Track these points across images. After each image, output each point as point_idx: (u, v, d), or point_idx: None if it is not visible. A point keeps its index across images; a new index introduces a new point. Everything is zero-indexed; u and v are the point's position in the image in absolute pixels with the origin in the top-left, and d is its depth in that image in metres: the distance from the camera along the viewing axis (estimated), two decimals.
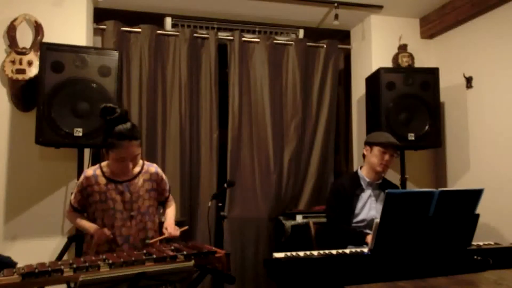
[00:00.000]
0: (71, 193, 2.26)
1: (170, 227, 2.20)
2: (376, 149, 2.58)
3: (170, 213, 2.36)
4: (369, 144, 2.65)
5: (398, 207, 1.83)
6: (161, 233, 2.22)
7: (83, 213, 2.23)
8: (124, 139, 2.02)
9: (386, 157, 2.57)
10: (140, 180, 2.19)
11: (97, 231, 2.08)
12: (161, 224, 2.30)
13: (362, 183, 2.63)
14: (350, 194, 2.59)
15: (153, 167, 2.27)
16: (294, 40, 3.78)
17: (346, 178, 2.74)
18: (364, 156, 2.69)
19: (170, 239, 2.22)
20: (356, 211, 2.58)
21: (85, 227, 2.15)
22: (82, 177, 2.17)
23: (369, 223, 2.54)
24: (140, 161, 2.24)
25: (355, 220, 2.57)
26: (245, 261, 3.53)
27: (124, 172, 2.12)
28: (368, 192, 2.62)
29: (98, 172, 2.16)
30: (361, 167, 2.71)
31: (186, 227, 2.30)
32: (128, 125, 2.06)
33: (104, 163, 2.20)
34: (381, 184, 2.66)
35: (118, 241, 2.12)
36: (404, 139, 3.25)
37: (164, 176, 2.31)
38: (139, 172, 2.21)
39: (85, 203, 2.18)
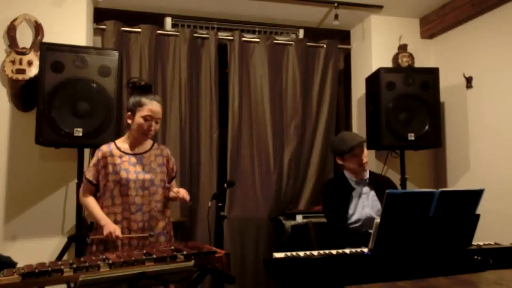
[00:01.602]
0: (84, 172, 2.34)
1: (182, 190, 2.29)
2: (347, 157, 2.56)
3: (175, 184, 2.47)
4: (338, 155, 2.61)
5: (398, 207, 1.83)
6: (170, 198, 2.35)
7: (96, 189, 2.28)
8: (151, 98, 2.24)
9: (360, 156, 2.55)
10: (152, 155, 2.32)
11: (108, 225, 2.11)
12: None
13: (350, 182, 2.63)
14: (341, 195, 2.59)
15: (163, 146, 2.43)
16: (294, 40, 3.78)
17: (335, 180, 2.75)
18: (340, 164, 2.67)
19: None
20: (350, 211, 2.56)
21: (97, 216, 2.18)
22: (96, 152, 2.29)
23: (364, 222, 2.53)
24: (151, 141, 2.37)
25: (350, 221, 2.56)
26: (245, 261, 3.53)
27: (147, 133, 2.24)
28: (358, 191, 2.61)
29: (113, 146, 2.29)
30: (344, 169, 2.69)
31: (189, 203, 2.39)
32: (153, 92, 2.32)
33: (118, 140, 2.33)
34: (370, 180, 2.64)
35: (132, 209, 2.19)
36: (404, 139, 3.25)
37: (171, 157, 2.43)
38: (151, 148, 2.34)
39: (99, 176, 2.25)
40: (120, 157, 2.24)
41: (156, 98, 2.26)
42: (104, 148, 2.27)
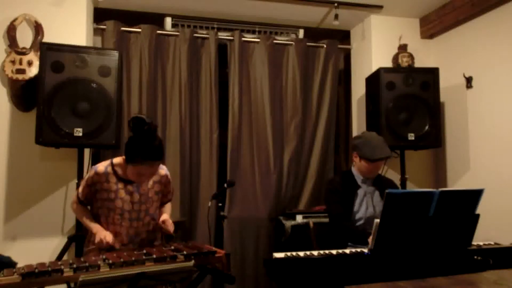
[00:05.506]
0: (80, 185, 2.25)
1: (168, 221, 2.20)
2: (364, 161, 2.55)
3: (168, 208, 2.38)
4: (358, 154, 2.58)
5: (398, 207, 1.83)
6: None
7: (88, 206, 2.23)
8: (148, 159, 1.99)
9: (375, 169, 2.56)
10: (150, 182, 2.20)
11: (100, 232, 2.07)
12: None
13: (357, 180, 2.64)
14: (346, 192, 2.60)
15: (163, 170, 2.26)
16: (294, 40, 3.78)
17: (340, 176, 2.75)
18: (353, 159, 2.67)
19: (170, 239, 2.23)
20: (354, 208, 2.58)
21: (88, 225, 2.15)
22: (92, 172, 2.12)
23: (367, 221, 2.55)
24: None
25: (353, 218, 2.58)
26: (245, 261, 3.53)
27: (139, 182, 2.13)
28: (363, 189, 2.63)
29: (110, 169, 2.13)
30: (353, 165, 2.71)
31: (173, 236, 2.25)
32: (156, 143, 2.01)
33: (116, 161, 2.15)
34: (375, 180, 2.66)
35: (124, 240, 2.14)
36: (404, 139, 3.25)
37: (170, 179, 2.33)
38: None
39: (92, 197, 2.17)
40: (116, 183, 2.10)
41: (156, 155, 2.00)
42: (100, 169, 2.10)
